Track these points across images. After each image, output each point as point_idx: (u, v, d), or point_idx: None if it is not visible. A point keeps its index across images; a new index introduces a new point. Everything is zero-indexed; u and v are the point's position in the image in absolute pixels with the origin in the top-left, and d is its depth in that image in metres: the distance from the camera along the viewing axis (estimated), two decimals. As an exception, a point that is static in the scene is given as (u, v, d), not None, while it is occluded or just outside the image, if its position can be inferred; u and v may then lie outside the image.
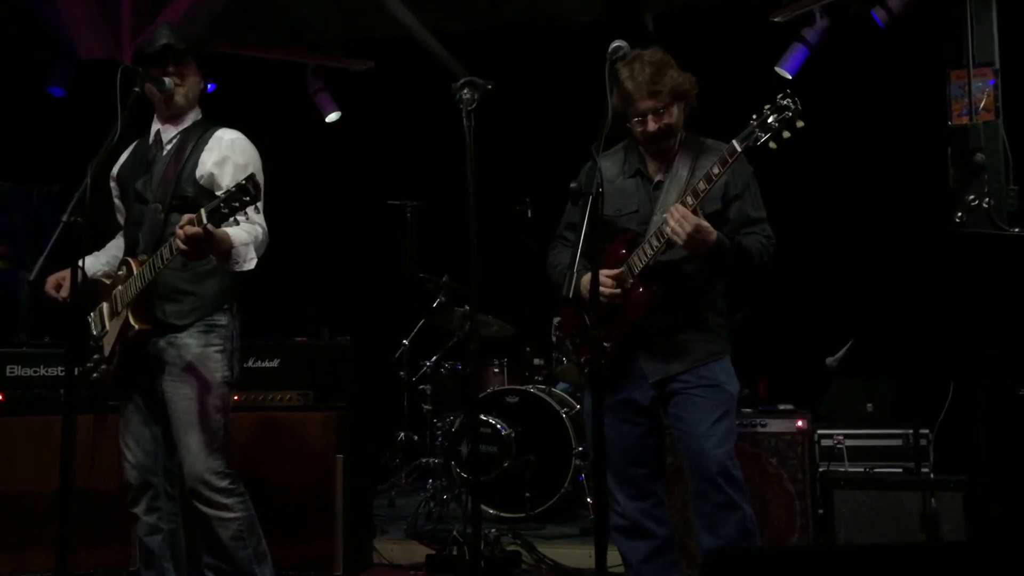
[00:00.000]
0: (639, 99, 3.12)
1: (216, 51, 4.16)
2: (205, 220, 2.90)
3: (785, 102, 2.94)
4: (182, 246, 2.94)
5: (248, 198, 2.88)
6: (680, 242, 2.99)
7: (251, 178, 2.89)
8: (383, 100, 7.31)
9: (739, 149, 2.97)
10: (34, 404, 4.09)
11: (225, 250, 3.09)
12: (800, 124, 2.93)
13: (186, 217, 2.95)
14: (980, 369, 3.34)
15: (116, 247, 3.56)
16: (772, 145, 2.95)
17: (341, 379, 4.32)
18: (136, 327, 3.20)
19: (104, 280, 3.42)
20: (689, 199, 3.04)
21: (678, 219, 2.98)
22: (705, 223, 3.00)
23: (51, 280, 3.30)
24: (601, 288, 3.04)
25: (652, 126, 3.16)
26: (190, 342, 3.25)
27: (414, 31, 6.64)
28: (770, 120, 2.94)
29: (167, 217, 3.22)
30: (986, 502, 3.95)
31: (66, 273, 3.20)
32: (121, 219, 3.53)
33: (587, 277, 2.84)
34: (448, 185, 4.87)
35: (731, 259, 3.13)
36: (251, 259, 3.17)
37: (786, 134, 2.94)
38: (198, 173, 3.27)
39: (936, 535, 3.80)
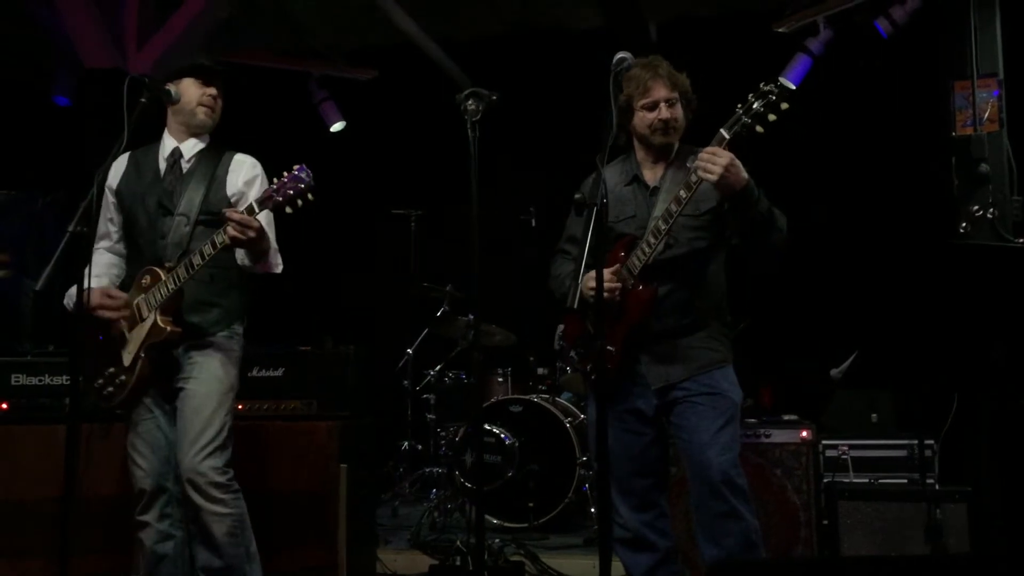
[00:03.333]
0: (656, 88, 3.18)
1: (221, 61, 4.19)
2: (257, 210, 3.10)
3: (768, 87, 2.97)
4: (233, 232, 3.08)
5: (303, 186, 3.07)
6: (713, 179, 2.96)
7: (303, 167, 3.09)
8: (387, 109, 7.32)
9: (727, 136, 2.99)
10: (38, 413, 4.08)
11: (266, 250, 3.30)
12: (785, 106, 2.94)
13: (236, 209, 3.15)
14: (984, 380, 3.34)
15: (110, 264, 3.57)
16: (759, 129, 2.96)
17: (345, 388, 4.31)
18: (168, 329, 3.28)
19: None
20: (683, 193, 3.05)
21: (708, 157, 2.97)
22: (737, 160, 2.98)
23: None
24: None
25: (666, 113, 3.20)
26: (213, 344, 3.37)
27: (417, 40, 6.65)
28: (755, 105, 2.96)
29: (193, 230, 3.34)
30: (991, 513, 3.94)
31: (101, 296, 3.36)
32: (114, 230, 3.56)
33: (590, 275, 2.85)
34: (452, 194, 4.87)
35: (761, 210, 3.08)
36: (279, 265, 3.41)
37: (771, 117, 2.95)
38: (230, 191, 3.43)
39: (941, 546, 3.78)
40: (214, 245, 3.15)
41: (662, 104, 3.20)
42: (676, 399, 3.19)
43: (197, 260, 3.20)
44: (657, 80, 3.19)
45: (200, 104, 3.46)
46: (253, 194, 3.39)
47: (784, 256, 3.25)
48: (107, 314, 3.34)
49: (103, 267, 3.55)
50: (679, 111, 3.23)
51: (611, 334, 3.17)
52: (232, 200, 3.42)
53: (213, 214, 3.33)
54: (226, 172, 3.47)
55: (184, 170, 3.46)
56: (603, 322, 2.93)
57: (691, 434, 3.15)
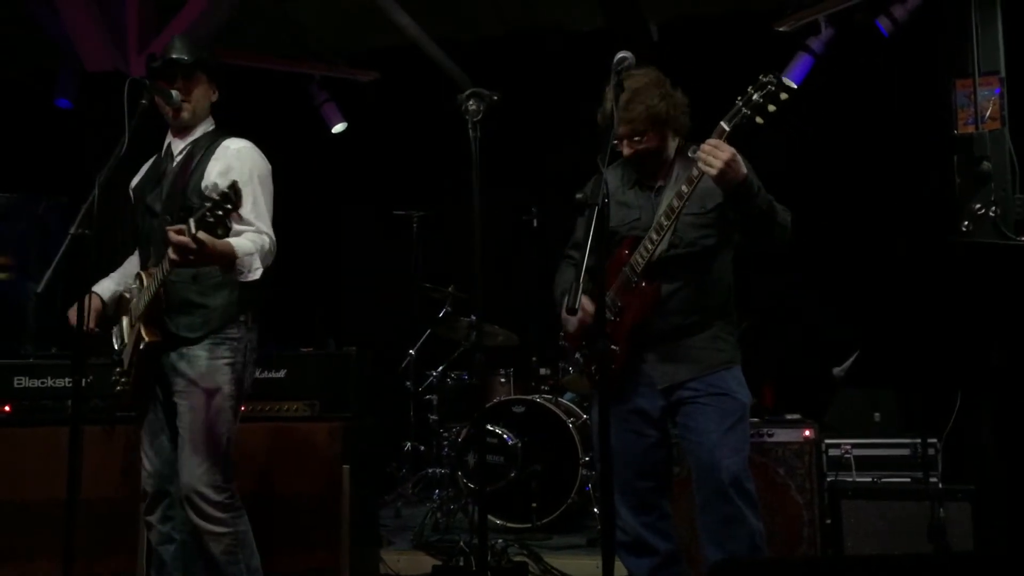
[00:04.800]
0: (616, 123, 3.07)
1: (222, 62, 4.16)
2: (194, 229, 2.88)
3: (766, 79, 2.95)
4: (172, 255, 2.94)
5: (230, 205, 2.85)
6: (713, 172, 2.93)
7: (233, 185, 2.87)
8: (389, 111, 7.32)
9: (727, 128, 2.96)
10: (41, 415, 4.09)
11: (228, 261, 3.09)
12: (784, 96, 2.93)
13: (175, 227, 2.94)
14: (986, 379, 3.33)
15: (132, 264, 3.57)
16: (759, 120, 2.94)
17: (347, 389, 4.31)
18: (146, 339, 3.21)
19: (126, 295, 3.45)
20: (684, 188, 3.04)
21: (709, 150, 2.93)
22: (738, 155, 2.95)
23: (70, 314, 3.28)
24: (584, 307, 3.02)
25: (627, 151, 3.20)
26: (201, 354, 3.25)
27: (418, 41, 6.65)
28: (754, 97, 2.94)
29: None
30: (995, 512, 3.93)
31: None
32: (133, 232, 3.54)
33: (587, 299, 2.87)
34: (454, 195, 4.87)
35: (760, 205, 3.04)
36: (256, 269, 3.16)
37: (771, 108, 2.93)
38: (203, 184, 3.26)
39: (944, 545, 3.77)
40: (170, 264, 3.01)
41: (624, 142, 3.19)
42: (683, 399, 3.17)
43: (160, 275, 3.12)
44: (615, 116, 3.01)
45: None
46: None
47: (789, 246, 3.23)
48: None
49: (125, 268, 3.55)
50: (648, 141, 3.19)
51: (615, 333, 3.16)
52: (207, 193, 3.19)
53: (191, 210, 3.14)
54: (207, 163, 3.30)
55: (173, 166, 3.36)
56: (603, 323, 2.92)
57: (699, 435, 3.12)
